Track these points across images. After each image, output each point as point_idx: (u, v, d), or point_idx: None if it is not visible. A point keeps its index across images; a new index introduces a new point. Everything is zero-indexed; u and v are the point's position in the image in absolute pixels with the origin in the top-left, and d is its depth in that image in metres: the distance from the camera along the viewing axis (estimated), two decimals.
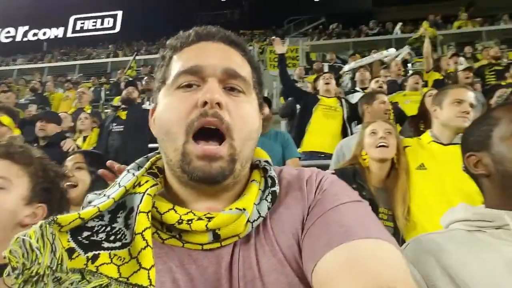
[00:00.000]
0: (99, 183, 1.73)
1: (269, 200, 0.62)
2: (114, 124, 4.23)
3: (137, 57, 13.33)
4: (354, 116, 4.00)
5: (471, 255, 0.78)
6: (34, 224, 0.52)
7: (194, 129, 0.59)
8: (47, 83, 9.43)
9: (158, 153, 0.69)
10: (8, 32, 21.45)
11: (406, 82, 4.96)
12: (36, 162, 1.16)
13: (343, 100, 4.10)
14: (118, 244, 0.55)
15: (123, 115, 4.33)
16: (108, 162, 1.04)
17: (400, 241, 1.82)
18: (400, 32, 12.64)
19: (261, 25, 21.14)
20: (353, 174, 1.90)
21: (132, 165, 0.67)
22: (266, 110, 3.15)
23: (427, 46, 5.72)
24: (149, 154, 0.71)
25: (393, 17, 17.68)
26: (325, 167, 2.91)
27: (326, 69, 8.68)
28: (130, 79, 8.54)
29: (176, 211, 0.58)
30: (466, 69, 4.74)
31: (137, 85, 5.59)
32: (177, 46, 0.67)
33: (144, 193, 0.58)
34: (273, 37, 4.49)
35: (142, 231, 0.54)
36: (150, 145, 4.30)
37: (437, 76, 5.66)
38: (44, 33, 21.49)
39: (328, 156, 3.34)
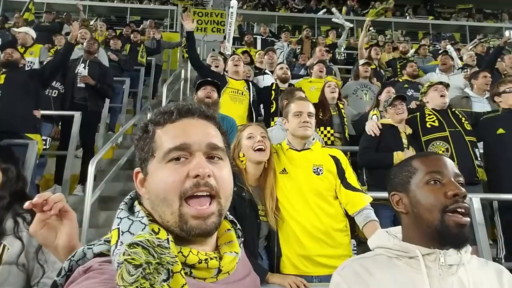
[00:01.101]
0: (10, 183, 1.63)
1: (241, 247, 0.82)
2: None
3: None
4: (260, 100, 4.18)
5: (389, 276, 0.98)
6: None
7: (188, 195, 0.70)
8: None
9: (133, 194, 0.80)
10: None
11: (312, 69, 5.14)
12: None
13: (250, 84, 4.18)
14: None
15: (1, 79, 3.84)
16: (29, 204, 1.02)
17: (275, 235, 2.07)
18: (324, 12, 12.98)
19: None
20: (232, 176, 2.04)
21: (124, 212, 0.74)
22: (215, 95, 3.16)
23: (362, 40, 5.98)
24: (132, 195, 0.80)
25: None
26: None
27: (259, 43, 8.53)
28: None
29: (193, 253, 0.70)
30: (365, 64, 5.04)
31: (16, 45, 4.89)
32: (160, 122, 0.77)
33: (168, 240, 0.69)
34: (185, 14, 4.25)
35: (180, 270, 0.64)
36: (43, 112, 3.98)
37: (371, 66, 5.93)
38: None
39: None
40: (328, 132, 3.68)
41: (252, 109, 3.99)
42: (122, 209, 0.75)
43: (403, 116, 3.10)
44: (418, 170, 1.04)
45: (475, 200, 2.50)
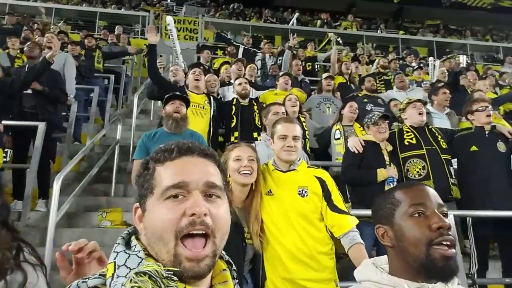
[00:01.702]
0: None
1: None
2: None
3: None
4: (220, 116, 4.15)
5: None
6: None
7: (183, 234, 0.70)
8: None
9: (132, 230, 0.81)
10: None
11: (278, 81, 5.11)
12: None
13: (211, 98, 4.15)
14: None
15: None
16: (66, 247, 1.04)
17: (261, 257, 2.04)
18: (296, 23, 13.17)
19: None
20: None
21: (121, 246, 0.75)
22: (183, 109, 3.14)
23: (334, 54, 6.08)
24: (129, 230, 0.80)
25: (289, 3, 18.39)
26: None
27: (241, 51, 8.15)
28: None
29: None
30: (327, 78, 5.13)
31: None
32: (160, 160, 0.78)
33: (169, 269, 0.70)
34: (149, 26, 4.20)
35: None
36: (4, 122, 3.74)
37: (341, 79, 6.05)
38: None
39: None
40: None
41: (211, 123, 3.97)
42: (119, 243, 0.75)
43: (385, 135, 3.15)
44: (401, 202, 1.04)
45: (449, 217, 2.50)
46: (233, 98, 4.34)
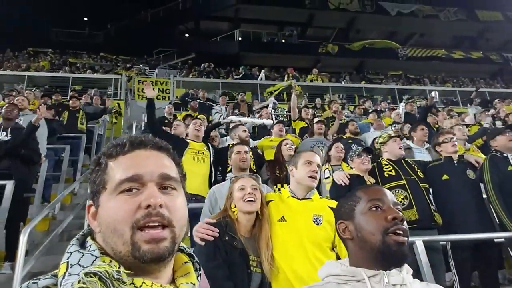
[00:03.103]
0: None
1: (199, 280, 0.81)
2: None
3: None
4: (219, 160, 4.34)
5: None
6: None
7: (140, 225, 0.69)
8: None
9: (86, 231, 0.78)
10: None
11: (272, 129, 5.44)
12: None
13: (210, 145, 4.39)
14: None
15: None
16: None
17: (267, 286, 2.02)
18: (265, 78, 13.81)
19: (128, 51, 20.27)
20: (225, 226, 2.07)
21: (74, 246, 0.72)
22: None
23: (293, 101, 6.42)
24: (84, 231, 0.77)
25: (257, 62, 19.40)
26: (198, 210, 2.95)
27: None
28: None
29: (146, 284, 0.68)
30: (319, 122, 5.46)
31: None
32: (113, 154, 0.77)
33: (120, 270, 0.67)
34: (145, 82, 4.51)
35: None
36: None
37: (302, 124, 6.37)
38: None
39: (199, 199, 3.58)
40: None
41: (212, 168, 4.13)
42: (73, 244, 0.73)
43: (368, 166, 3.29)
44: (361, 199, 1.14)
45: (418, 243, 2.61)
46: (229, 145, 4.52)
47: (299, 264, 2.01)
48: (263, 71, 14.63)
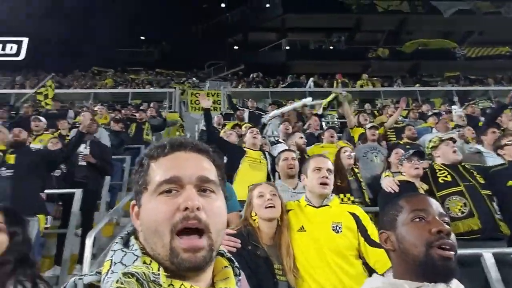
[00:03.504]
0: (16, 247, 1.61)
1: (239, 286, 0.81)
2: (3, 169, 3.79)
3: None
4: (275, 168, 4.14)
5: None
6: None
7: (178, 229, 0.69)
8: None
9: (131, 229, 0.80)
10: None
11: (323, 135, 5.30)
12: None
13: (266, 153, 4.34)
14: None
15: (11, 159, 3.87)
16: None
17: None
18: (314, 86, 13.77)
19: (181, 66, 21.24)
20: (247, 235, 2.03)
21: (118, 245, 0.75)
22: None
23: (346, 108, 6.28)
24: (128, 230, 0.79)
25: (305, 70, 19.38)
26: None
27: (246, 115, 8.86)
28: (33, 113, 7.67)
29: (185, 287, 0.69)
30: (371, 128, 5.12)
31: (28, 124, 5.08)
32: (154, 156, 0.79)
33: (159, 271, 0.68)
34: (201, 93, 4.68)
35: None
36: (47, 191, 3.94)
37: (361, 130, 6.05)
38: None
39: None
40: (348, 199, 3.55)
41: (270, 176, 4.11)
42: (117, 243, 0.75)
43: (418, 172, 3.04)
44: (403, 208, 1.09)
45: (486, 256, 2.37)
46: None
47: (321, 275, 1.93)
48: (311, 79, 14.57)
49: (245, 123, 7.41)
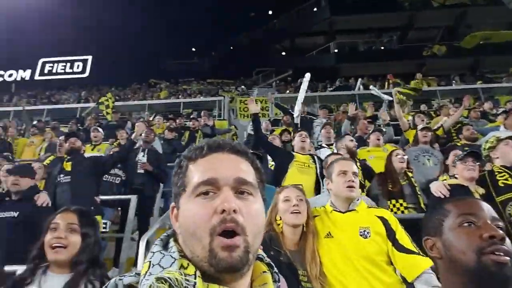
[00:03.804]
0: (88, 248, 1.71)
1: None
2: (62, 175, 4.12)
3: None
4: (322, 172, 4.05)
5: None
6: None
7: (217, 232, 0.69)
8: (10, 128, 8.65)
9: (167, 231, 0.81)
10: None
11: (369, 138, 5.05)
12: None
13: (315, 157, 4.22)
14: None
15: (68, 166, 4.19)
16: None
17: None
18: (363, 88, 13.38)
19: (230, 75, 21.76)
20: (269, 240, 1.97)
21: (157, 247, 0.75)
22: None
23: (397, 110, 6.00)
24: (168, 232, 0.80)
25: (355, 72, 18.90)
26: None
27: (298, 120, 8.78)
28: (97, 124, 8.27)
29: None
30: (423, 129, 4.81)
31: (80, 135, 5.44)
32: (192, 157, 0.79)
33: (195, 275, 0.68)
34: (249, 99, 4.70)
35: None
36: (102, 197, 4.19)
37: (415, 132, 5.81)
38: (11, 75, 20.95)
39: None
40: (401, 205, 3.39)
41: (320, 180, 3.97)
42: (156, 244, 0.76)
43: (473, 174, 2.81)
44: (451, 212, 1.00)
45: None
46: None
47: (351, 282, 1.85)
48: (360, 79, 14.16)
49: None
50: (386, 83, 12.75)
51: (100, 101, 10.50)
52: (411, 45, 22.23)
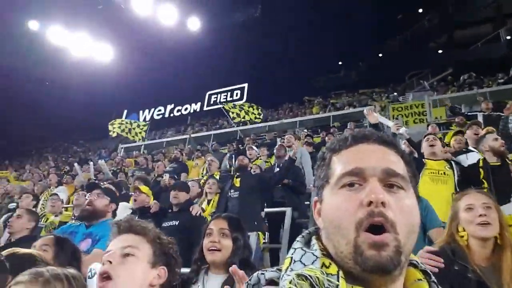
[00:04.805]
0: (239, 251, 1.90)
1: None
2: (232, 191, 4.58)
3: (262, 124, 14.70)
4: (466, 180, 3.54)
5: None
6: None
7: (364, 227, 0.64)
8: (184, 152, 10.45)
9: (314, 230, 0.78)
10: (160, 110, 25.98)
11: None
12: (151, 232, 1.47)
13: (453, 163, 3.77)
14: None
15: (237, 182, 4.71)
16: (233, 268, 1.26)
17: None
18: None
19: (380, 82, 20.92)
20: (452, 253, 1.73)
21: (299, 243, 0.74)
22: None
23: None
24: (310, 230, 0.78)
25: None
26: None
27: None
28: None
29: None
30: None
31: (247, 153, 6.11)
32: (336, 149, 0.76)
33: (338, 275, 0.64)
34: (367, 109, 4.43)
35: None
36: (266, 210, 4.60)
37: None
38: (186, 109, 25.43)
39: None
40: None
41: (458, 190, 3.54)
42: (298, 241, 0.74)
43: None
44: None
45: None
46: (479, 160, 3.76)
47: None
48: None
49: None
50: None
51: (113, 131, 12.49)
52: None
